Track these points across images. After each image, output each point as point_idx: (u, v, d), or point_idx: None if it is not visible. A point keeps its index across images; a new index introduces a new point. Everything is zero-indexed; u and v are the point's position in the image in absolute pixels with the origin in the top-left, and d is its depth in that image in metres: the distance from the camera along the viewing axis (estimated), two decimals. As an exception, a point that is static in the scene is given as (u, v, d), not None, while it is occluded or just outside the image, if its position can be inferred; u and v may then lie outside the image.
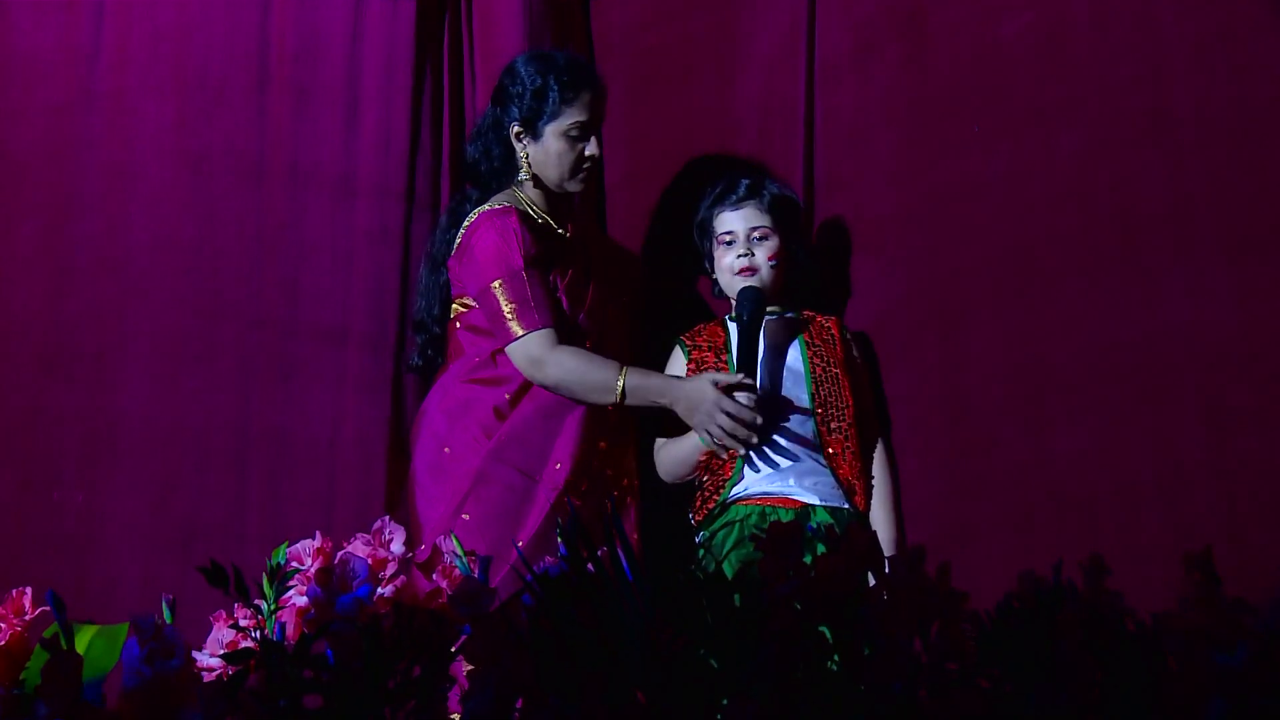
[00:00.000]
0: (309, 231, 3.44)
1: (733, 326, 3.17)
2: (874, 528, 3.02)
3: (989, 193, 3.18)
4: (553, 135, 3.16)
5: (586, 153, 3.17)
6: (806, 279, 3.32)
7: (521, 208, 3.16)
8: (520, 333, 3.02)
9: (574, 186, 3.21)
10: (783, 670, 1.57)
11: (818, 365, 3.12)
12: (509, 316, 3.03)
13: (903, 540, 3.05)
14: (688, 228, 3.41)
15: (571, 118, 3.15)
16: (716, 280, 3.26)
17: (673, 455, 3.15)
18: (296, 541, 1.91)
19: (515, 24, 3.64)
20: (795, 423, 3.06)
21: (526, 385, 3.06)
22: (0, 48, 3.46)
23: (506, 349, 3.05)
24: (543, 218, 3.19)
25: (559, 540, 2.02)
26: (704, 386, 2.96)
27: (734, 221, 3.21)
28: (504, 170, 3.23)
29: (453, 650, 1.67)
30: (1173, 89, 2.93)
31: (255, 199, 3.46)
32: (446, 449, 3.07)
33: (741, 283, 3.14)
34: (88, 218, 3.40)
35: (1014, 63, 3.17)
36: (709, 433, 2.93)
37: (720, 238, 3.22)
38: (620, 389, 2.99)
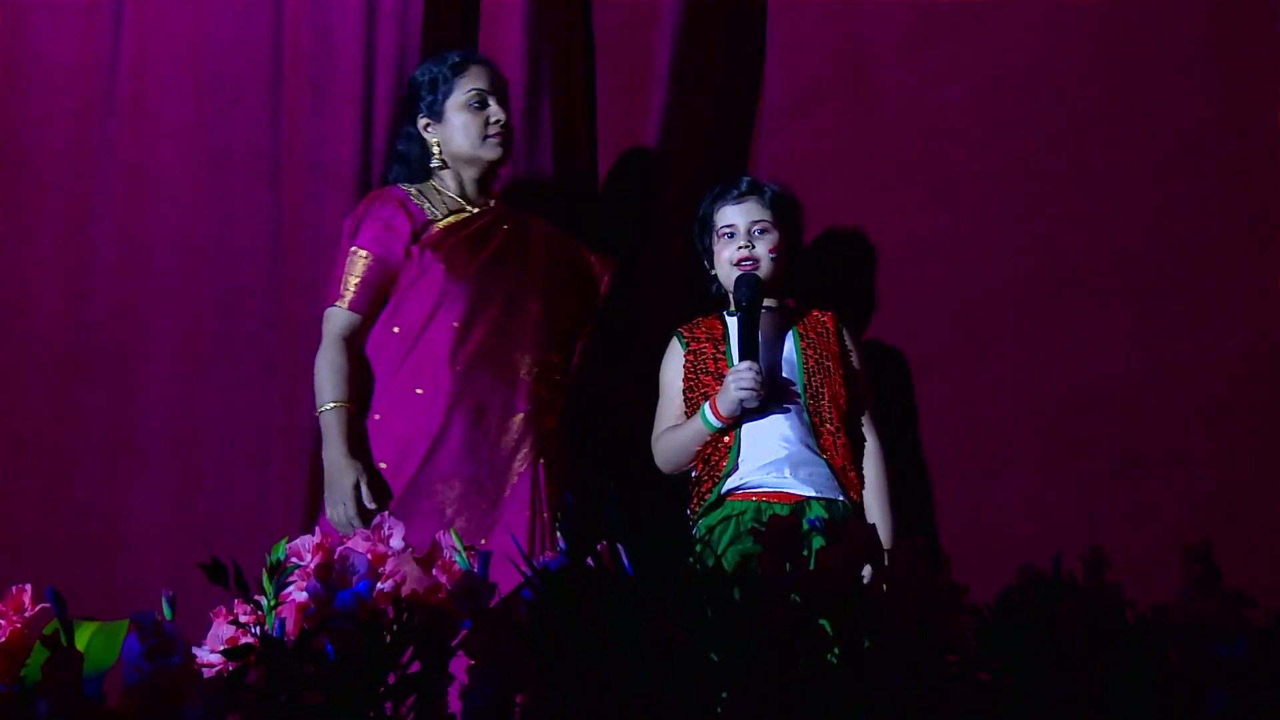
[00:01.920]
0: (327, 229, 3.45)
1: (730, 320, 3.17)
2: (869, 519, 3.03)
3: (934, 253, 3.32)
4: (454, 110, 3.23)
5: (492, 118, 3.22)
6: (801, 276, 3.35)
7: (431, 193, 3.21)
8: (333, 302, 3.10)
9: (488, 153, 3.24)
10: (782, 664, 1.56)
11: (810, 357, 3.13)
12: (338, 281, 3.12)
13: (899, 531, 3.06)
14: (678, 225, 3.45)
15: (466, 86, 3.22)
16: (715, 275, 3.27)
17: (671, 443, 3.14)
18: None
19: (516, 21, 3.65)
20: (789, 413, 3.06)
21: (400, 364, 3.08)
22: (22, 56, 3.53)
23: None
24: (453, 198, 3.23)
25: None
26: (350, 474, 2.96)
27: (735, 215, 3.21)
28: (421, 170, 3.28)
29: (452, 645, 1.67)
30: (1091, 145, 3.07)
31: (273, 197, 3.50)
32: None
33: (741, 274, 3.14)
34: (108, 220, 3.46)
35: (951, 128, 3.30)
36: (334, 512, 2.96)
37: (721, 231, 3.23)
38: (318, 412, 3.05)
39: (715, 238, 3.24)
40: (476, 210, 3.23)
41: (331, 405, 3.02)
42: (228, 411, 3.39)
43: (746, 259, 3.16)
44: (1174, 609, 1.64)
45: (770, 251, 3.19)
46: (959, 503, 3.19)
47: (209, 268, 3.45)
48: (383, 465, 3.01)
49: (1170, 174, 2.95)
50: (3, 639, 1.88)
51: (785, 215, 3.25)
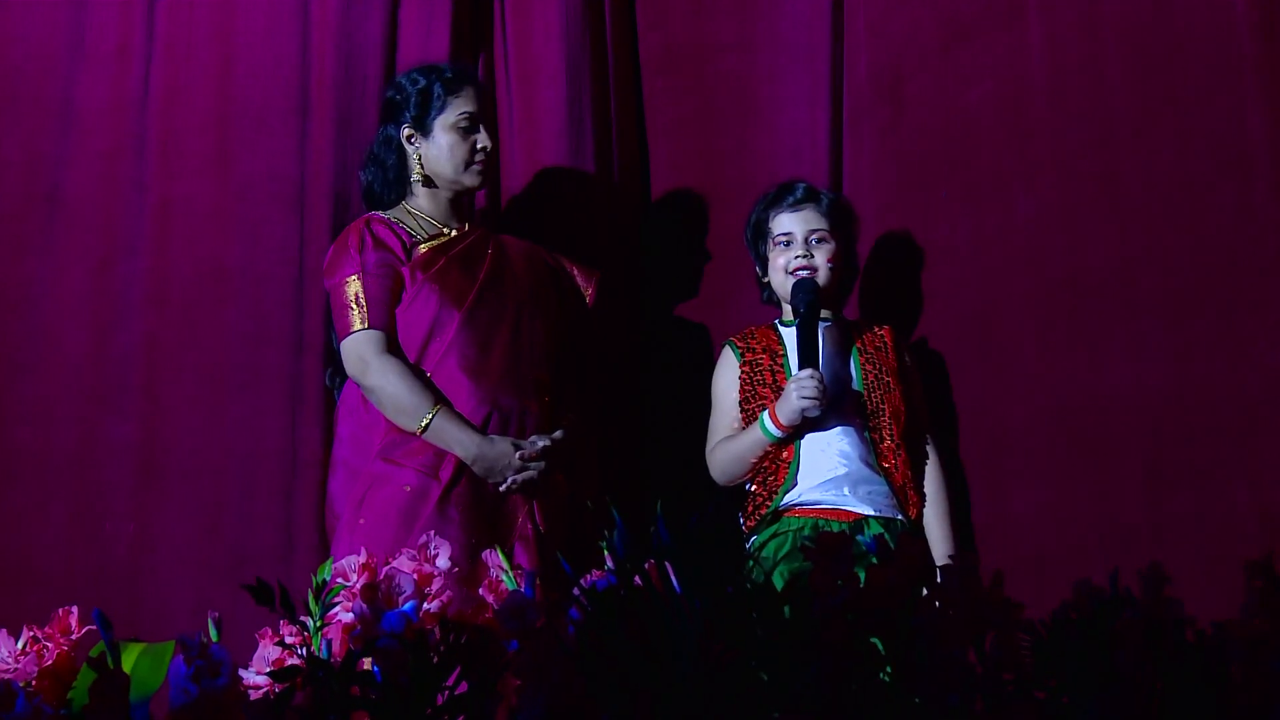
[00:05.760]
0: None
1: (784, 330, 3.14)
2: (929, 540, 2.99)
3: (952, 259, 3.30)
4: (442, 129, 3.18)
5: (479, 145, 3.18)
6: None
7: (406, 217, 3.17)
8: (354, 329, 3.04)
9: (469, 180, 3.20)
10: (835, 683, 1.54)
11: (870, 372, 3.09)
12: (346, 311, 3.05)
13: (959, 549, 3.02)
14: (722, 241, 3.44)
15: (459, 109, 3.18)
16: (768, 283, 3.23)
17: (727, 454, 3.11)
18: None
19: (551, 47, 3.66)
20: (849, 428, 3.03)
21: None
22: (54, 99, 3.54)
23: (340, 344, 3.07)
24: (430, 220, 3.19)
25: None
26: (506, 449, 2.95)
27: (792, 223, 3.17)
28: (397, 181, 3.23)
29: (500, 666, 1.65)
30: (1120, 153, 3.02)
31: (298, 224, 3.48)
32: (347, 447, 3.10)
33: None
34: (137, 256, 3.46)
35: (977, 131, 3.28)
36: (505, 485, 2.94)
37: (776, 239, 3.18)
38: (424, 424, 2.97)
39: (770, 244, 3.20)
40: (455, 233, 3.20)
41: (431, 412, 2.97)
42: (254, 441, 3.37)
43: (804, 268, 3.13)
44: (1236, 625, 1.61)
45: (828, 261, 3.15)
46: (976, 510, 3.15)
47: (235, 296, 3.44)
48: (407, 488, 2.98)
49: (1207, 185, 2.90)
50: (50, 662, 1.88)
51: (842, 224, 3.21)
